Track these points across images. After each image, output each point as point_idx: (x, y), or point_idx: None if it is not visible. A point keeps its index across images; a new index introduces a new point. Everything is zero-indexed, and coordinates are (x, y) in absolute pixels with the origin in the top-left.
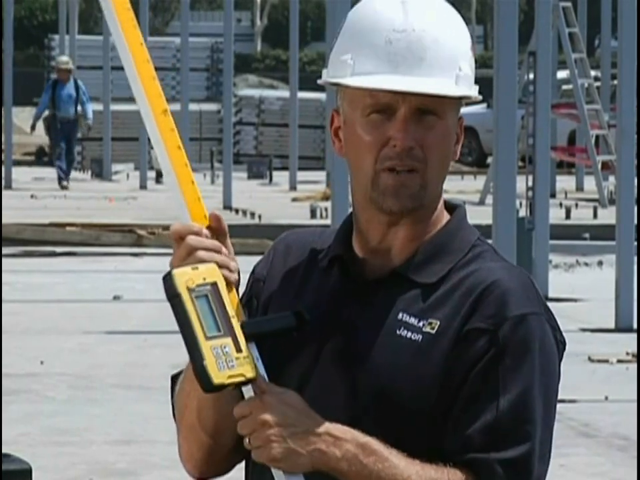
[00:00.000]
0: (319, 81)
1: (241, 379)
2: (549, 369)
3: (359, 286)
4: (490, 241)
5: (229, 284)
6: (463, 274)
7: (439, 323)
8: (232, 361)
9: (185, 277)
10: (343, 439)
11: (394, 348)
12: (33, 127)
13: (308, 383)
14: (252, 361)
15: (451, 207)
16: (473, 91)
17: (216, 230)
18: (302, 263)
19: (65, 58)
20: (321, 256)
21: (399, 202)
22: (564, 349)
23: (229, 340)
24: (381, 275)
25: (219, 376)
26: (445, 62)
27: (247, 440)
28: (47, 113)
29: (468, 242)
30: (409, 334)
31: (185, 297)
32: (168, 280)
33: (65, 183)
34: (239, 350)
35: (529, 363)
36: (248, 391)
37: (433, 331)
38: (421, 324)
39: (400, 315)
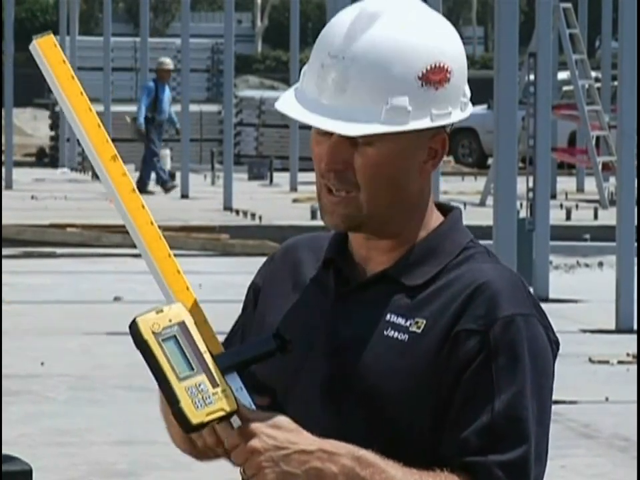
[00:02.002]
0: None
1: (221, 413)
2: (542, 368)
3: (350, 288)
4: (490, 242)
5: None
6: (453, 275)
7: (425, 321)
8: (209, 397)
9: (149, 322)
10: (337, 453)
11: (381, 349)
12: (140, 132)
13: (296, 387)
14: (230, 393)
15: (446, 210)
16: (410, 125)
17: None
18: (299, 267)
19: (167, 59)
20: (317, 259)
21: (332, 220)
22: (558, 348)
23: (203, 377)
24: (371, 277)
25: (196, 415)
26: (368, 95)
27: (242, 470)
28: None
29: (459, 244)
30: (396, 334)
31: (152, 342)
32: (133, 328)
33: (170, 184)
34: (215, 385)
35: (521, 363)
36: (235, 422)
37: (419, 330)
38: (407, 323)
39: (388, 316)
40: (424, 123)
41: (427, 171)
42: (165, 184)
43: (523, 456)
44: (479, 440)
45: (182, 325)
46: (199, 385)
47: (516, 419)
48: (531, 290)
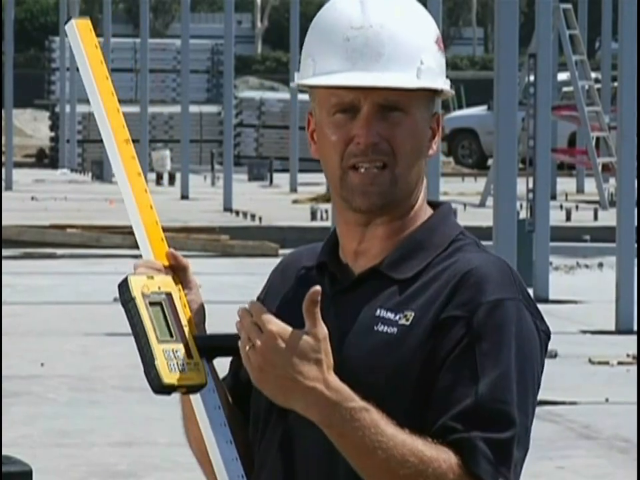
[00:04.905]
0: (291, 84)
1: (191, 382)
2: (527, 352)
3: (341, 288)
4: (490, 243)
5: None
6: (441, 267)
7: (413, 314)
8: (183, 365)
9: (140, 282)
10: (340, 389)
11: (372, 344)
12: None
13: None
14: (203, 368)
15: (435, 205)
16: (439, 84)
17: (175, 268)
18: (296, 279)
19: None
20: (312, 267)
21: (367, 200)
22: (548, 338)
23: (180, 346)
24: (361, 274)
25: (169, 377)
26: (404, 56)
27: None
28: None
29: (448, 237)
30: (386, 328)
31: (139, 301)
32: (123, 285)
33: None
34: (190, 356)
35: (505, 348)
36: (197, 404)
37: (408, 322)
38: (396, 317)
39: (377, 312)
40: (445, 85)
41: (430, 151)
42: None
43: (507, 438)
44: (463, 422)
45: (169, 295)
46: (176, 351)
47: (500, 402)
48: (531, 290)
